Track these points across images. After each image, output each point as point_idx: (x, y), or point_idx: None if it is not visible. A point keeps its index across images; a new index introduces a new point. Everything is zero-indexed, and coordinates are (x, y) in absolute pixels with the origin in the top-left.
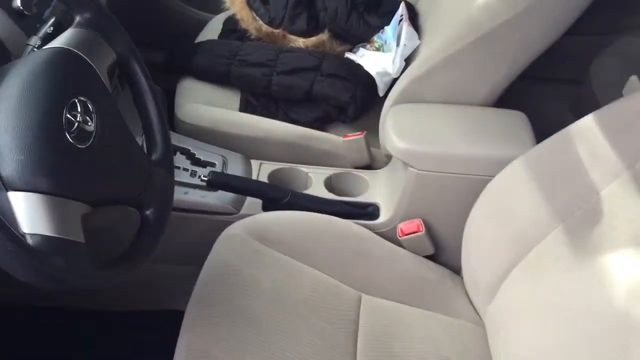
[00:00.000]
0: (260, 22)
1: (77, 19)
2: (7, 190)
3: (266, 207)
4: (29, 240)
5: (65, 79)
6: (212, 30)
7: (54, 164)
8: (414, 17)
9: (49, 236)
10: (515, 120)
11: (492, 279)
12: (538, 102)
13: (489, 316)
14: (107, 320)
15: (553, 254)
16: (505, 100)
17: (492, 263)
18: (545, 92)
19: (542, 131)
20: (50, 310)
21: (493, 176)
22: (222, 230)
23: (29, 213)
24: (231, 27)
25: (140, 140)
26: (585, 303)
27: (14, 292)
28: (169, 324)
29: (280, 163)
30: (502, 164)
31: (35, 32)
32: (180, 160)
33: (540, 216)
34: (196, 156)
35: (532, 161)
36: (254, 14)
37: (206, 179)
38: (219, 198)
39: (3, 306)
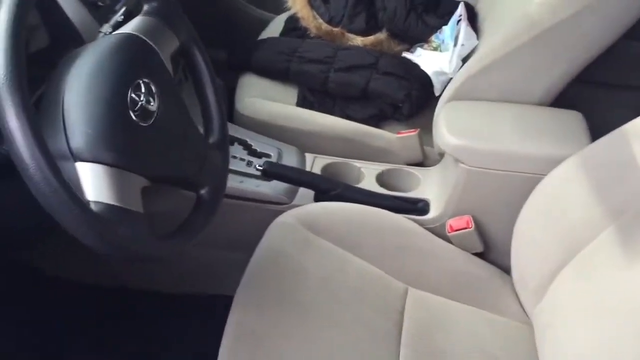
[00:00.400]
0: (320, 20)
1: (145, 7)
2: (75, 161)
3: (318, 199)
4: (93, 207)
5: (131, 61)
6: (274, 29)
7: (118, 139)
8: (472, 18)
9: (111, 204)
10: (570, 119)
11: (541, 278)
12: (602, 109)
13: (537, 315)
14: (158, 301)
15: (604, 254)
16: (565, 104)
17: (542, 262)
18: (609, 99)
19: (602, 135)
20: (109, 290)
21: (545, 174)
22: (274, 219)
23: (94, 182)
24: (292, 25)
25: (201, 129)
26: (636, 304)
27: (78, 270)
28: (219, 308)
29: (333, 157)
30: (554, 162)
31: (107, 21)
32: (237, 150)
33: (592, 215)
34: (253, 147)
35: (586, 159)
36: (314, 12)
37: (261, 168)
38: (273, 188)
39: (67, 283)
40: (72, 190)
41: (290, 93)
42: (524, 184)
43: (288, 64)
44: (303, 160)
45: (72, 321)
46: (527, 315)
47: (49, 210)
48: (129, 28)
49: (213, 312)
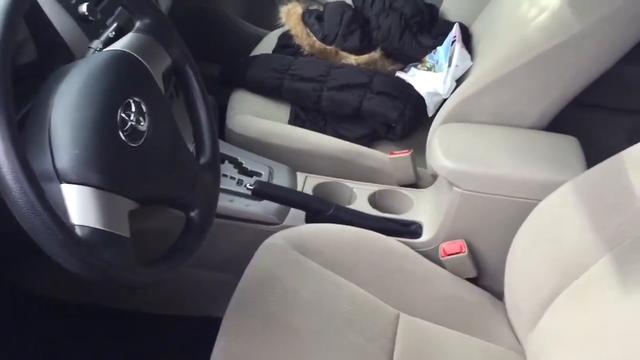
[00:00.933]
0: (314, 38)
1: (137, 24)
2: (60, 182)
3: (309, 219)
4: (78, 231)
5: (121, 79)
6: (267, 45)
7: (106, 160)
8: (467, 39)
9: (97, 228)
10: (566, 144)
11: (535, 305)
12: (595, 132)
13: (531, 344)
14: (147, 323)
15: (600, 283)
16: (560, 127)
17: (536, 289)
18: (603, 122)
19: (597, 161)
20: (93, 310)
21: (540, 200)
22: (263, 239)
23: (80, 205)
24: (285, 42)
25: (191, 147)
26: (633, 336)
27: (61, 289)
28: (207, 330)
29: (325, 177)
30: (550, 187)
31: (98, 36)
32: (227, 168)
33: (588, 243)
34: (243, 165)
35: (582, 186)
36: (308, 30)
37: (252, 187)
38: (264, 208)
39: (48, 302)
40: (56, 215)
41: (283, 111)
42: (519, 209)
43: (280, 81)
44: (294, 179)
45: (57, 342)
46: (520, 343)
47: (32, 235)
48: (120, 45)
49: (202, 334)
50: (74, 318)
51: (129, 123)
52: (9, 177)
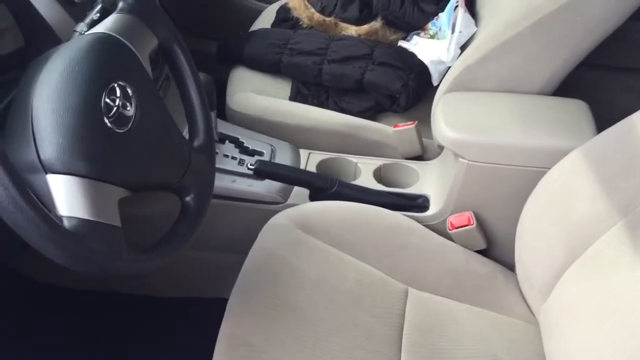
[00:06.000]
0: (312, 10)
1: (120, 4)
2: (46, 173)
3: (313, 197)
4: (66, 223)
5: (104, 63)
6: (265, 20)
7: (92, 148)
8: (471, 3)
9: (86, 219)
10: (575, 109)
11: (547, 276)
12: (607, 94)
13: (543, 315)
14: (153, 306)
15: (613, 252)
16: (568, 91)
17: (548, 260)
18: (615, 83)
19: (608, 125)
20: (96, 294)
21: (549, 168)
22: (268, 219)
23: (67, 196)
24: (283, 16)
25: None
26: None
27: (69, 276)
28: (213, 312)
29: (329, 153)
30: (559, 155)
31: (83, 19)
32: (228, 148)
33: (600, 211)
34: (245, 145)
35: (592, 152)
36: (305, 2)
37: (253, 167)
38: (266, 187)
39: (49, 288)
40: (40, 208)
41: (283, 87)
42: (527, 178)
43: (280, 56)
44: (297, 156)
45: (64, 327)
46: (533, 314)
47: (17, 230)
48: (102, 27)
49: (209, 316)
50: (81, 304)
51: (114, 108)
52: None
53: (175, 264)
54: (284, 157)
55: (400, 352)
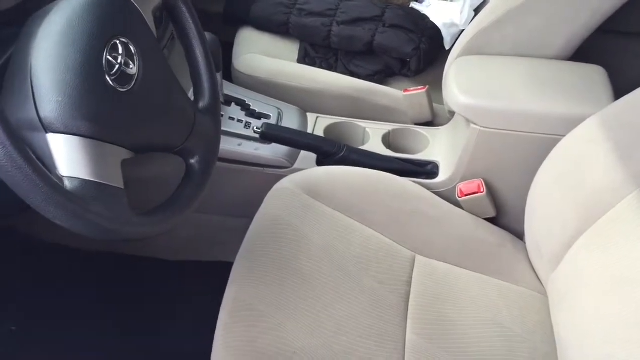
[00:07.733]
0: None
1: None
2: (46, 132)
3: (320, 162)
4: (67, 184)
5: (106, 19)
6: None
7: (93, 107)
8: None
9: (88, 180)
10: (592, 75)
11: (557, 245)
12: (623, 60)
13: (552, 284)
14: (157, 268)
15: (626, 222)
16: (585, 57)
17: (558, 229)
18: (632, 49)
19: (625, 92)
20: (102, 256)
21: (563, 135)
22: (275, 183)
23: (68, 156)
24: None
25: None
26: None
27: (75, 237)
28: (219, 275)
29: (337, 117)
30: (574, 122)
31: None
32: (234, 111)
33: (614, 180)
34: (251, 107)
35: (608, 119)
36: None
37: (259, 130)
38: (273, 151)
39: (56, 249)
40: (39, 167)
41: (291, 49)
42: (540, 146)
43: (288, 17)
44: (305, 120)
45: (70, 287)
46: (542, 284)
47: (16, 190)
48: None
49: (215, 280)
50: (83, 265)
51: (116, 66)
52: None
53: (179, 227)
54: (291, 120)
55: (406, 319)
